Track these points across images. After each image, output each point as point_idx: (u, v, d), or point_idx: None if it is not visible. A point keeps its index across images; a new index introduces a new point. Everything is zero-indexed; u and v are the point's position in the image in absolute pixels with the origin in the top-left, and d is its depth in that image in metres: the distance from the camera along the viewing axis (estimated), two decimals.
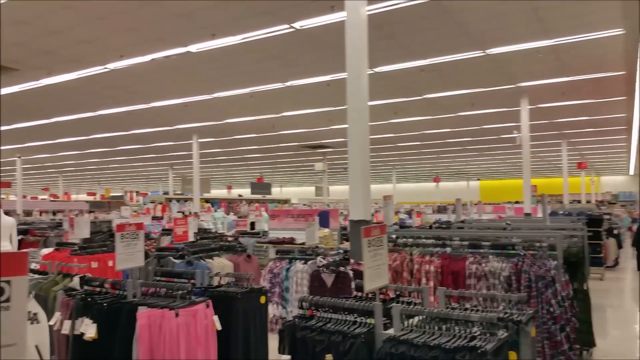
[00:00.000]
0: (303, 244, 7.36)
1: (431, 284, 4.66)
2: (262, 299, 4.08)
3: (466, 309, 2.89)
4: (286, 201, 26.85)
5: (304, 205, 21.51)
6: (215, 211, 18.69)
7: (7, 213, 10.17)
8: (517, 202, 23.12)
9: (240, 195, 30.68)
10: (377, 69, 10.09)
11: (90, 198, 38.51)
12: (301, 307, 3.12)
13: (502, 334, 2.54)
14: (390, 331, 2.71)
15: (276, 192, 39.73)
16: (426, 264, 4.77)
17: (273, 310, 5.51)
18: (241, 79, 10.88)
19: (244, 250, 6.67)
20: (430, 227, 8.77)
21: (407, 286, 4.39)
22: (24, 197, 28.53)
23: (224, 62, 9.65)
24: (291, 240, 7.84)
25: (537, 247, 4.64)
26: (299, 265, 5.66)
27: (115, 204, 31.12)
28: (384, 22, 7.66)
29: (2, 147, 21.54)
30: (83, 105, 13.56)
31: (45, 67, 9.95)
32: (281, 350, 2.98)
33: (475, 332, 2.53)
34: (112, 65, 9.84)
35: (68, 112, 14.40)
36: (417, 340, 2.49)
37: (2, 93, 11.82)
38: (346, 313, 2.92)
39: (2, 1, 6.84)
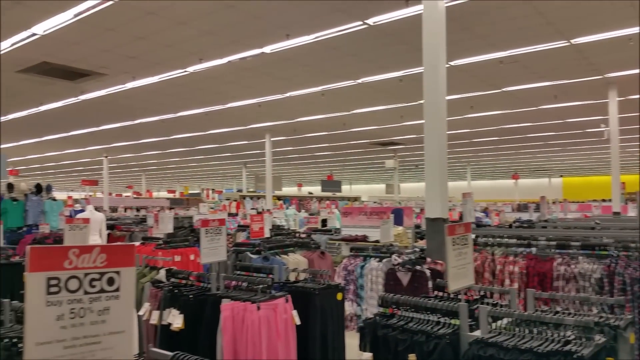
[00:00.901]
0: (376, 241, 7.29)
1: (515, 285, 4.46)
2: (339, 296, 4.10)
3: (557, 312, 2.74)
4: (356, 199, 26.78)
5: (374, 202, 21.39)
6: (287, 208, 19.02)
7: (96, 209, 10.91)
8: (604, 200, 21.67)
9: (310, 193, 31.02)
10: (452, 63, 9.81)
11: (170, 195, 40.47)
12: (382, 305, 3.09)
13: (598, 339, 2.38)
14: (477, 333, 2.62)
15: (346, 189, 39.80)
16: (510, 264, 4.57)
17: (348, 308, 5.52)
18: (313, 77, 10.98)
19: (318, 247, 6.73)
20: (510, 226, 8.42)
21: (493, 287, 4.22)
22: (110, 194, 30.46)
23: (297, 61, 9.77)
24: (364, 238, 7.80)
25: (633, 248, 4.31)
26: (373, 263, 5.63)
27: (193, 201, 32.53)
28: (461, 13, 7.42)
29: (91, 147, 23.15)
30: (165, 107, 14.25)
31: (130, 71, 10.55)
32: (362, 348, 2.97)
33: (569, 337, 2.38)
34: (191, 68, 10.26)
35: (151, 113, 15.20)
36: (506, 343, 2.39)
37: (92, 96, 12.68)
38: (428, 313, 2.86)
39: (94, 10, 7.33)
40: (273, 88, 11.99)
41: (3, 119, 15.25)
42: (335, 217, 12.07)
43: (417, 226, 9.06)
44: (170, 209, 24.74)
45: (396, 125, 17.10)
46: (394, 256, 5.49)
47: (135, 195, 37.15)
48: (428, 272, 4.99)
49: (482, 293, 3.26)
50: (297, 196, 26.72)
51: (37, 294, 1.11)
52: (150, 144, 21.90)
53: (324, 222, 11.58)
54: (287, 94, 12.53)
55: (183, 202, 32.82)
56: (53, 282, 1.14)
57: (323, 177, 30.52)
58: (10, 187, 11.22)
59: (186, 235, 8.96)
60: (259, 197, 23.34)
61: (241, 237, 9.15)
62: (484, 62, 9.82)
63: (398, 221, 7.99)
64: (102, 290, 1.23)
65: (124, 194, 40.71)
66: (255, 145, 21.48)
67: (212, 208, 19.75)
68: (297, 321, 3.58)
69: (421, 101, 5.44)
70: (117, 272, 1.25)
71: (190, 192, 41.10)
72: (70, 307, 1.17)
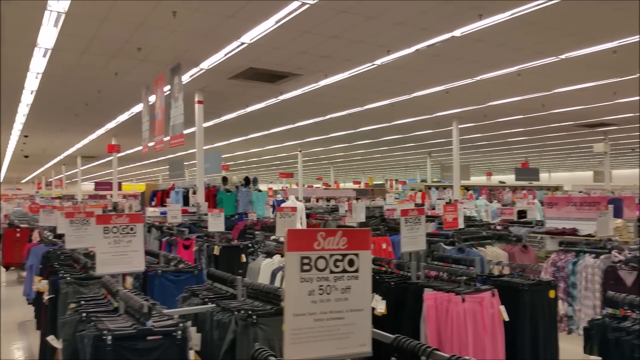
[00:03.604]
0: (589, 235, 6.54)
1: None
2: (552, 294, 3.78)
3: None
4: (557, 188, 24.34)
5: (580, 192, 19.18)
6: (477, 199, 18.21)
7: (297, 199, 11.86)
8: None
9: (502, 182, 29.21)
10: None
11: (356, 186, 42.10)
12: (610, 306, 2.75)
13: None
14: None
15: (544, 177, 36.47)
16: None
17: (559, 307, 5.05)
18: (508, 57, 10.25)
19: (519, 240, 6.29)
20: None
21: None
22: (303, 185, 32.89)
23: (490, 42, 9.23)
24: (573, 231, 7.04)
25: None
26: (588, 259, 5.09)
27: (377, 191, 33.36)
28: None
29: (287, 143, 25.25)
30: (353, 101, 14.81)
31: (323, 70, 11.19)
32: (587, 351, 2.69)
33: None
34: (379, 61, 10.45)
35: (340, 108, 15.95)
36: None
37: (290, 96, 13.78)
38: None
39: (292, 15, 7.92)
40: (462, 73, 11.54)
41: (217, 121, 17.56)
42: (536, 209, 11.13)
43: None
44: (357, 199, 25.66)
45: (607, 104, 15.05)
46: (614, 252, 4.90)
47: (324, 187, 39.54)
48: None
49: None
50: (486, 186, 25.40)
51: (293, 271, 1.24)
52: (338, 137, 23.01)
53: (521, 213, 10.79)
54: (478, 78, 11.94)
55: (368, 192, 33.87)
56: (305, 260, 1.26)
57: (516, 164, 28.46)
58: (224, 180, 12.91)
59: (377, 224, 9.22)
60: (445, 187, 22.82)
61: (430, 228, 9.04)
62: None
63: (616, 213, 7.01)
64: (344, 271, 1.31)
65: (315, 186, 43.60)
66: (441, 133, 21.02)
67: (397, 198, 19.96)
68: (506, 317, 3.39)
69: None
70: (356, 255, 1.31)
71: (374, 182, 42.16)
72: (319, 284, 1.27)
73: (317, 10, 7.71)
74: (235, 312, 2.54)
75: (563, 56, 10.14)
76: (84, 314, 2.42)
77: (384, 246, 7.18)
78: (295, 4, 7.48)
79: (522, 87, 12.83)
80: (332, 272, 1.29)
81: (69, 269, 4.15)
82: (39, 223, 8.35)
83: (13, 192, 45.13)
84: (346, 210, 12.72)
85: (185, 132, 10.67)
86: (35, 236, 8.28)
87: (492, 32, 8.62)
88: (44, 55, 9.84)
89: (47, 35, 8.67)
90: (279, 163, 37.89)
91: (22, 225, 10.99)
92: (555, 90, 13.38)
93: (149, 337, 2.15)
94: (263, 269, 4.79)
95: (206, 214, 8.53)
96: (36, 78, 11.49)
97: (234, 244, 6.33)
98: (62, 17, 7.83)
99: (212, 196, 12.36)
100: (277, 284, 4.31)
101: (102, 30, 8.46)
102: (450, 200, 16.99)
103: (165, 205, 11.65)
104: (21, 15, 7.82)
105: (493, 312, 3.36)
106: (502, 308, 3.38)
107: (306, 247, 1.24)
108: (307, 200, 26.43)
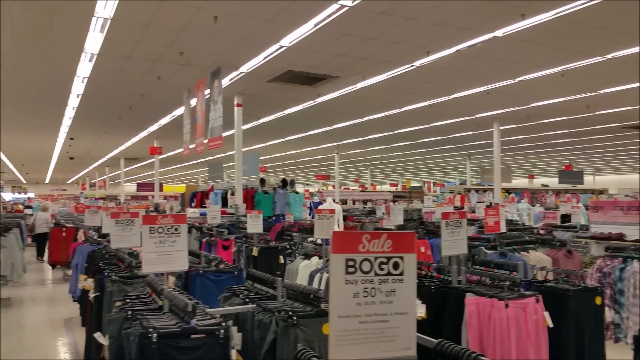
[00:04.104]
0: (637, 241, 6.28)
1: None
2: (598, 300, 3.66)
3: None
4: (602, 191, 23.47)
5: (627, 196, 18.43)
6: (519, 202, 17.76)
7: (334, 201, 11.86)
8: None
9: (544, 185, 28.39)
10: None
11: (393, 188, 41.74)
12: None
13: None
14: None
15: (588, 181, 35.21)
16: None
17: (605, 314, 4.87)
18: (552, 57, 9.96)
19: (563, 244, 6.11)
20: None
21: None
22: (340, 187, 32.83)
23: (533, 42, 9.01)
24: (620, 236, 6.77)
25: None
26: (637, 265, 4.91)
27: (415, 194, 33.01)
28: None
29: (324, 145, 25.28)
30: (391, 103, 14.71)
31: (361, 72, 11.15)
32: None
33: None
34: (418, 62, 10.34)
35: (378, 110, 15.86)
36: None
37: (327, 98, 13.80)
38: None
39: (331, 18, 7.93)
40: (504, 73, 11.30)
41: (255, 123, 17.76)
42: (580, 213, 10.77)
43: None
44: (394, 201, 25.44)
45: None
46: None
47: (361, 189, 39.37)
48: None
49: None
50: (528, 189, 24.73)
51: (338, 272, 1.24)
52: (376, 139, 22.88)
53: (565, 217, 10.46)
54: (520, 78, 11.66)
55: (405, 195, 33.55)
56: (350, 263, 1.27)
57: (560, 167, 27.60)
58: (262, 182, 13.03)
59: (416, 227, 9.12)
60: (485, 190, 22.36)
61: (470, 231, 8.87)
62: None
63: None
64: (389, 273, 1.31)
65: (351, 188, 43.43)
66: (481, 135, 20.61)
67: (435, 201, 19.67)
68: (550, 323, 3.30)
69: None
70: (401, 258, 1.31)
71: (412, 185, 41.70)
72: (363, 286, 1.28)
73: (356, 12, 7.70)
74: (276, 313, 2.56)
75: (609, 56, 9.79)
76: (130, 312, 2.48)
77: (422, 249, 7.10)
78: (334, 7, 7.49)
79: (566, 87, 12.46)
80: (376, 274, 1.29)
81: (114, 267, 4.28)
82: (84, 223, 8.63)
83: (59, 192, 47.04)
84: (384, 213, 12.65)
85: (224, 134, 10.83)
86: (81, 235, 8.59)
87: (535, 31, 8.40)
88: (90, 60, 10.21)
89: (93, 40, 9.00)
90: (315, 165, 37.98)
91: (67, 225, 11.41)
92: (601, 91, 12.93)
93: (193, 336, 2.19)
94: (301, 271, 4.81)
95: (244, 215, 8.65)
96: (82, 82, 11.94)
97: (272, 245, 6.37)
98: (108, 22, 8.11)
99: (250, 198, 12.50)
100: (315, 285, 4.33)
101: (145, 35, 8.71)
102: (491, 203, 16.64)
103: (205, 206, 11.87)
104: (70, 21, 8.13)
105: (537, 319, 3.28)
106: (547, 314, 3.30)
107: (351, 250, 1.25)
108: (344, 202, 26.37)
